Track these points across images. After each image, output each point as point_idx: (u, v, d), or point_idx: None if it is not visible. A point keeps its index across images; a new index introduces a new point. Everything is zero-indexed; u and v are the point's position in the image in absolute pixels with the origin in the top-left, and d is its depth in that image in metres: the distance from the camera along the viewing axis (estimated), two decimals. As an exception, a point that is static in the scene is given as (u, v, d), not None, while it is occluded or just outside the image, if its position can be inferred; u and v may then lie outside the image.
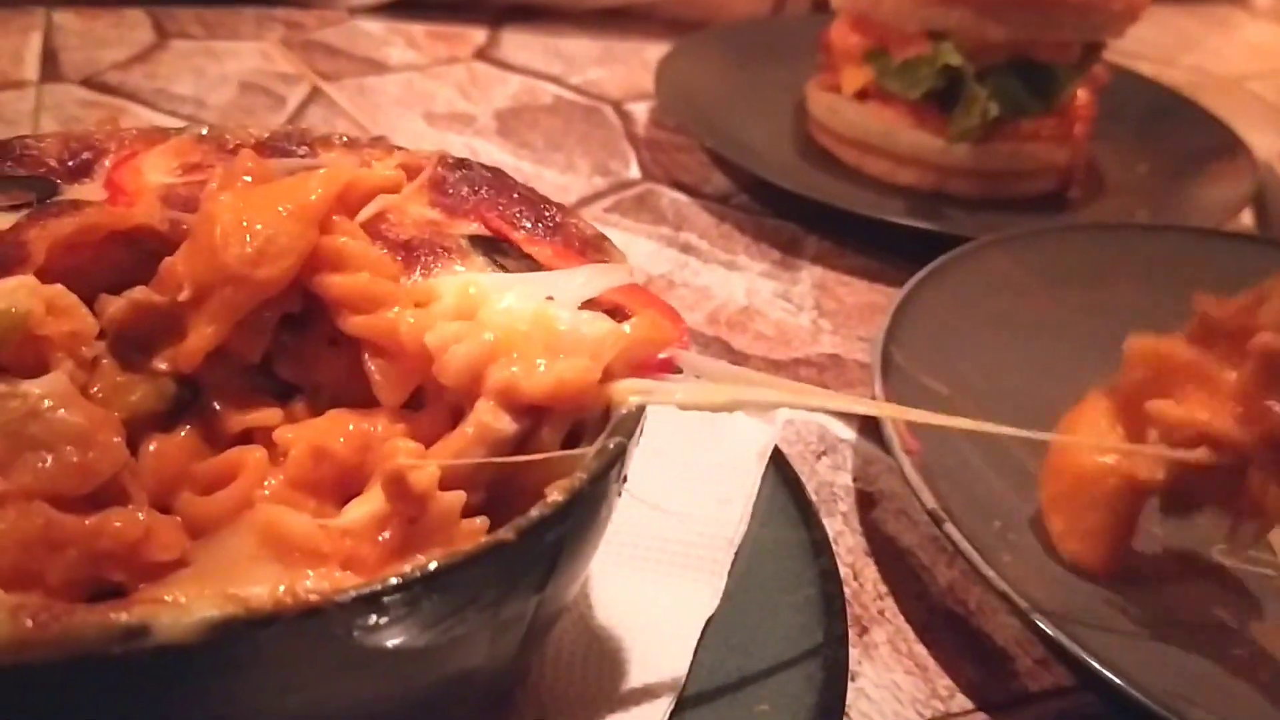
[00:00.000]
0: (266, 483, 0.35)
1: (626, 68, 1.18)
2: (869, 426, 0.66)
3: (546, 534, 0.31)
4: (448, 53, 1.17)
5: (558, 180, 0.93)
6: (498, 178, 0.45)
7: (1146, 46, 1.34)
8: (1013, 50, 0.88)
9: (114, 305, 0.37)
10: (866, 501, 0.61)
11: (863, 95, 0.94)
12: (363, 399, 0.37)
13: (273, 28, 1.18)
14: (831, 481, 0.63)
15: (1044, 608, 0.47)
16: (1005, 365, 0.66)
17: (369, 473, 0.35)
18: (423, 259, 0.39)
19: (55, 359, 0.35)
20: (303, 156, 0.46)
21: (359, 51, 1.15)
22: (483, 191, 0.44)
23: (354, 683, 0.30)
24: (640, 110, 1.09)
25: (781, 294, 0.81)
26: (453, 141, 0.97)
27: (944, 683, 0.51)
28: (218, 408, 0.37)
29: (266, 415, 0.37)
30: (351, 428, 0.36)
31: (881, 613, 0.54)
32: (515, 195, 0.44)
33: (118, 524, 0.32)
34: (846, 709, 0.48)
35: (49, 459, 0.31)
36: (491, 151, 0.97)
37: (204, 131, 0.47)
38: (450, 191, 0.44)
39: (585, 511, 0.33)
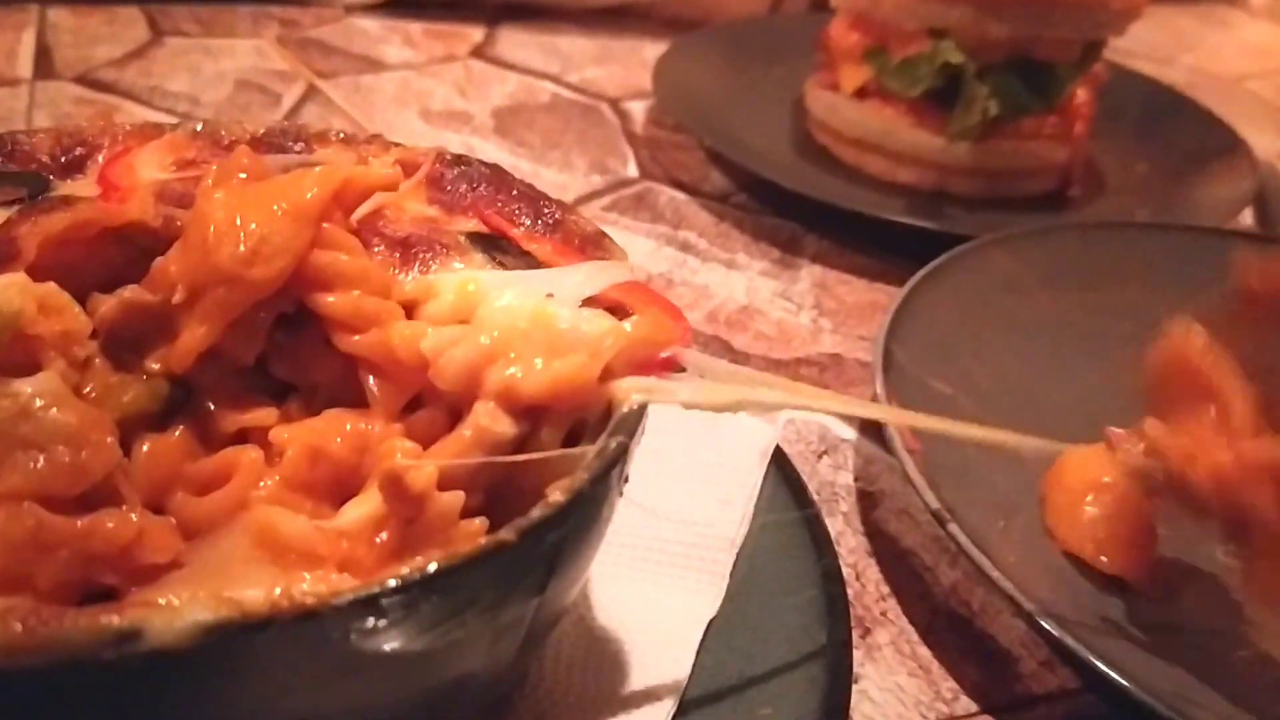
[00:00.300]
0: (262, 484, 0.34)
1: (624, 66, 1.18)
2: (870, 426, 0.66)
3: (547, 535, 0.30)
4: (444, 51, 1.17)
5: (555, 179, 0.93)
6: (496, 174, 0.45)
7: (1145, 46, 1.34)
8: (1013, 48, 0.88)
9: (105, 305, 0.36)
10: (868, 501, 0.61)
11: (862, 93, 0.94)
12: (360, 398, 0.37)
13: (268, 25, 1.17)
14: (833, 481, 0.62)
15: (1049, 609, 0.46)
16: (1006, 364, 0.65)
17: (366, 474, 0.35)
18: (420, 256, 0.39)
19: (47, 358, 0.34)
20: (299, 153, 0.46)
21: (355, 49, 1.14)
22: (481, 188, 0.44)
23: (351, 687, 0.30)
24: (638, 109, 1.08)
25: (781, 293, 0.80)
26: (450, 140, 0.97)
27: (948, 685, 0.50)
28: (212, 408, 0.37)
29: (262, 415, 0.37)
30: (348, 428, 0.35)
31: (884, 614, 0.54)
32: (514, 192, 0.44)
33: (110, 525, 0.31)
34: (850, 711, 0.47)
35: (40, 459, 0.31)
36: (489, 150, 0.96)
37: (199, 127, 0.46)
38: (448, 188, 0.43)
39: (586, 512, 0.32)
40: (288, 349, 0.37)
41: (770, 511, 0.49)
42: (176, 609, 0.25)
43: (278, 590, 0.28)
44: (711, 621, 0.44)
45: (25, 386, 0.31)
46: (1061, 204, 0.95)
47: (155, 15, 1.15)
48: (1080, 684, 0.51)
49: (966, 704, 0.49)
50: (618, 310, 0.37)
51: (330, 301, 0.36)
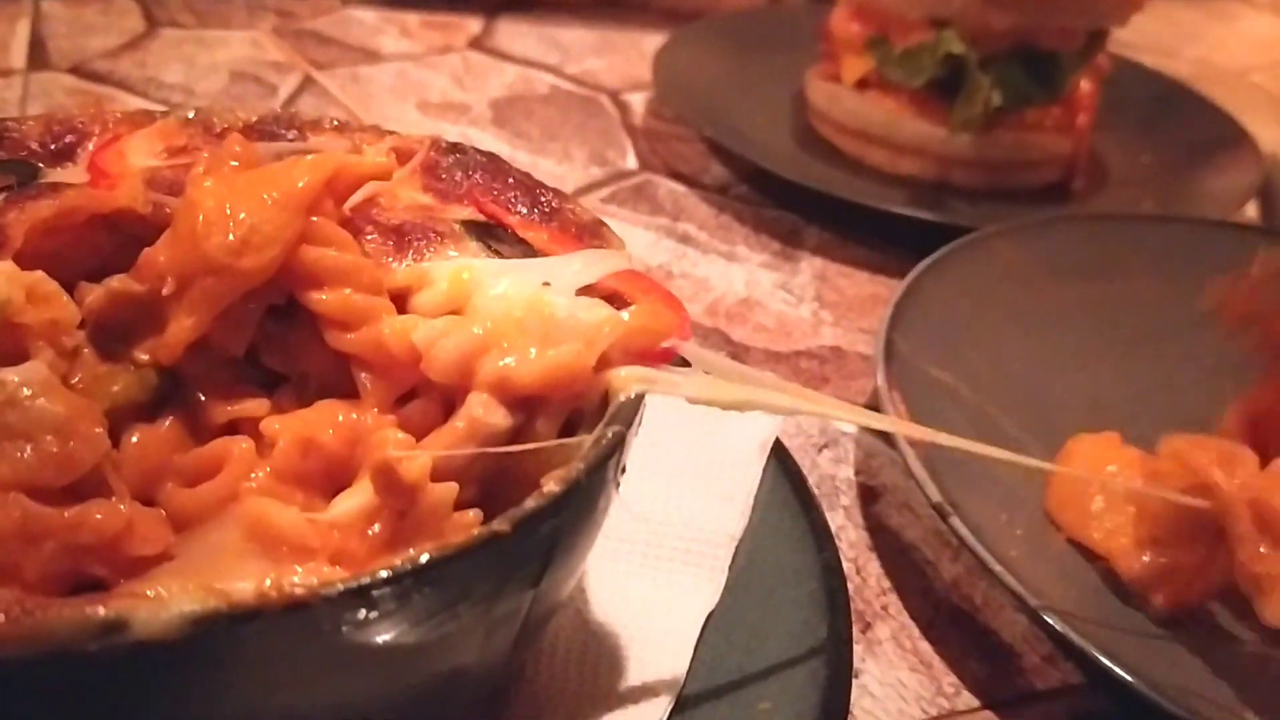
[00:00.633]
0: (253, 475, 0.34)
1: (624, 57, 1.17)
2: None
3: (542, 526, 0.30)
4: (442, 42, 1.16)
5: (554, 170, 0.92)
6: (492, 162, 0.44)
7: (1148, 38, 1.33)
8: (1016, 38, 0.87)
9: (92, 294, 0.36)
10: (869, 495, 0.60)
11: (864, 84, 0.93)
12: (353, 389, 0.36)
13: (264, 16, 1.16)
14: (833, 475, 0.62)
15: (1052, 603, 0.46)
16: (1009, 355, 0.65)
17: (358, 465, 0.34)
18: (415, 244, 0.38)
19: (35, 347, 0.34)
20: (292, 140, 0.45)
21: (352, 40, 1.13)
22: (477, 176, 0.43)
23: (343, 680, 0.29)
24: (638, 100, 1.07)
25: (782, 285, 0.80)
26: (447, 131, 0.96)
27: (949, 680, 0.50)
28: (202, 398, 0.36)
29: (253, 406, 0.36)
30: (340, 419, 0.35)
31: (885, 608, 0.53)
32: (510, 180, 0.43)
33: (98, 516, 0.31)
34: (850, 707, 0.47)
35: (27, 449, 0.30)
36: (487, 142, 0.96)
37: (190, 115, 0.45)
38: (443, 176, 0.43)
39: (582, 503, 0.32)
40: (279, 339, 0.37)
41: (770, 505, 0.49)
42: (162, 600, 0.25)
43: (267, 582, 0.28)
44: (710, 616, 0.44)
45: (12, 375, 0.31)
46: (1064, 196, 0.95)
47: (150, 6, 1.14)
48: (1083, 679, 0.50)
49: (968, 699, 0.49)
50: (615, 299, 0.36)
51: (321, 299, 0.35)
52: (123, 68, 1.01)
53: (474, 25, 1.21)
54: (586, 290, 0.36)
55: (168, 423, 0.35)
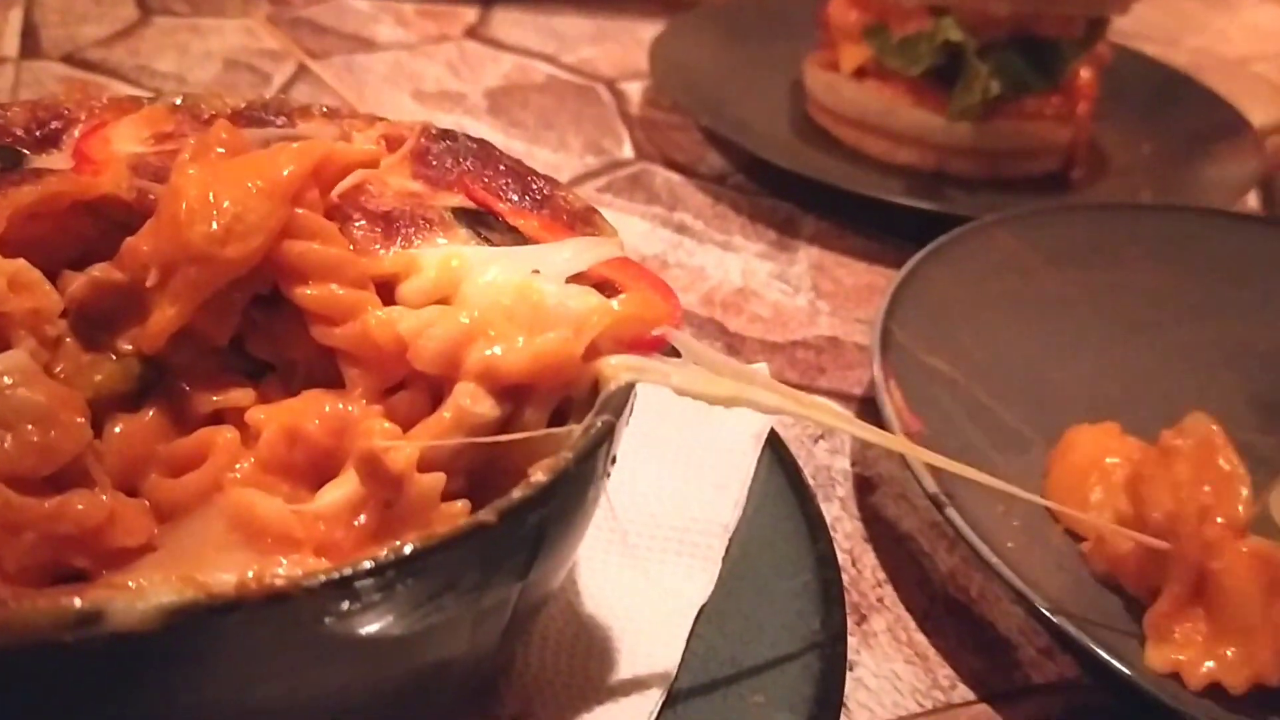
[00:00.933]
0: (237, 465, 0.33)
1: (620, 46, 1.16)
2: (868, 409, 0.65)
3: (529, 516, 0.29)
4: (437, 30, 1.15)
5: (550, 159, 0.92)
6: (484, 149, 0.43)
7: (1149, 28, 1.33)
8: (1015, 26, 0.86)
9: (74, 283, 0.35)
10: (865, 486, 0.60)
11: (861, 73, 0.93)
12: (341, 378, 0.35)
13: (258, 4, 1.15)
14: (829, 465, 0.61)
15: (1049, 595, 0.45)
16: (1007, 345, 0.64)
17: (345, 456, 0.34)
18: (403, 231, 0.38)
19: (16, 336, 0.34)
20: (280, 127, 0.44)
21: (347, 29, 1.13)
22: (467, 163, 0.42)
23: (326, 673, 0.29)
24: (634, 89, 1.07)
25: (778, 275, 0.79)
26: (442, 121, 0.94)
27: (945, 672, 0.49)
28: (186, 388, 0.35)
29: (238, 395, 0.35)
30: (327, 409, 0.34)
31: (880, 600, 0.53)
32: (501, 167, 0.42)
33: (80, 507, 0.30)
34: (845, 699, 0.46)
35: (8, 438, 0.30)
36: (482, 131, 0.95)
37: (178, 101, 0.45)
38: (433, 163, 0.42)
39: (571, 492, 0.31)
40: (265, 328, 0.36)
41: (765, 496, 0.48)
42: (140, 591, 0.25)
43: (251, 573, 0.27)
44: (703, 608, 0.43)
45: (-7, 364, 0.30)
46: (1064, 186, 0.94)
47: (145, -6, 1.13)
48: (1080, 672, 0.50)
49: (964, 692, 0.49)
50: (606, 287, 0.36)
51: (307, 294, 0.34)
52: (115, 56, 1.00)
53: (470, 14, 1.20)
54: (577, 278, 0.36)
55: (151, 413, 0.35)
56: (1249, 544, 0.44)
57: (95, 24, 1.05)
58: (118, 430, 0.34)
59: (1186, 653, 0.44)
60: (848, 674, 0.44)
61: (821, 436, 0.63)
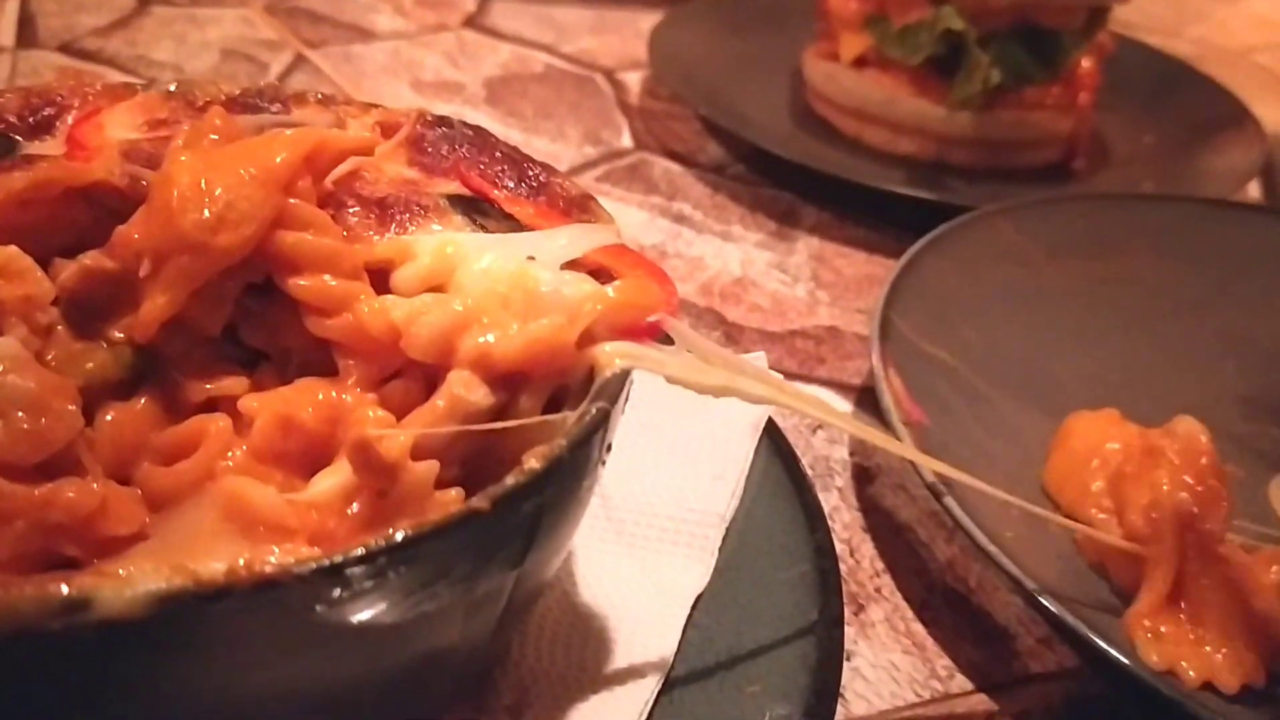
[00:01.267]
0: (230, 454, 0.33)
1: (619, 36, 1.16)
2: (866, 399, 0.65)
3: (523, 503, 0.29)
4: (436, 20, 1.15)
5: (548, 149, 0.91)
6: (480, 136, 0.43)
7: (1151, 19, 1.32)
8: (1016, 15, 0.86)
9: (66, 271, 0.35)
10: (863, 475, 0.60)
11: (861, 62, 0.92)
12: (333, 367, 0.35)
13: (257, -6, 1.15)
14: (828, 455, 0.61)
15: (1048, 585, 0.45)
16: (1007, 335, 0.64)
17: (338, 445, 0.33)
18: (398, 218, 0.37)
19: (8, 323, 0.33)
20: (275, 114, 0.44)
21: (345, 18, 1.12)
22: (463, 150, 0.42)
23: (318, 662, 0.29)
24: (633, 79, 1.06)
25: (777, 265, 0.79)
26: (440, 110, 0.95)
27: (943, 663, 0.49)
28: (179, 377, 0.35)
29: (231, 384, 0.35)
30: (320, 397, 0.34)
31: (878, 590, 0.53)
32: (497, 154, 0.42)
33: (70, 495, 0.30)
34: (842, 690, 0.46)
35: (-1, 425, 0.30)
36: (480, 121, 0.93)
37: (172, 88, 0.44)
38: (429, 150, 0.42)
39: (565, 480, 0.31)
40: (258, 316, 0.36)
41: (763, 485, 0.48)
42: (127, 578, 0.24)
43: (242, 561, 0.27)
44: (699, 597, 0.43)
45: (-16, 351, 0.30)
46: (1065, 176, 0.94)
47: (142, -16, 1.13)
48: (1079, 662, 0.50)
49: (962, 682, 0.48)
50: (602, 274, 0.36)
51: (300, 285, 0.34)
52: (113, 45, 0.99)
53: (468, 3, 1.20)
54: (573, 265, 0.36)
55: (143, 401, 0.34)
56: (1226, 550, 0.44)
57: (92, 13, 1.05)
58: (109, 418, 0.34)
59: (1180, 652, 0.44)
60: (845, 664, 0.44)
61: (820, 426, 0.63)
